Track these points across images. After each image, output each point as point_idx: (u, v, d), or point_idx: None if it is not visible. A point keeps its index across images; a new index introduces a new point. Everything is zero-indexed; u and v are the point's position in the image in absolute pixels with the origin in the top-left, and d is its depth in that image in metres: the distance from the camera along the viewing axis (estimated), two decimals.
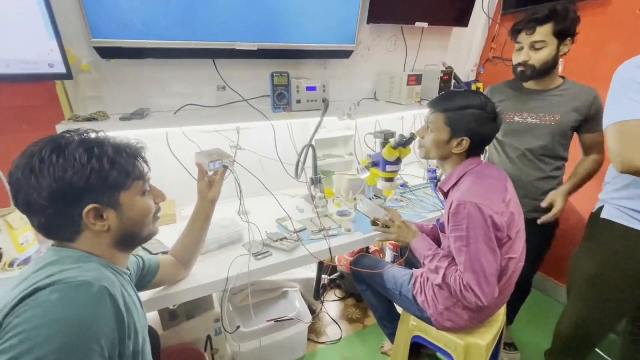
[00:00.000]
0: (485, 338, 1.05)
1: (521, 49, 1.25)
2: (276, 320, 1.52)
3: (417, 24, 1.71)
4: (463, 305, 0.95)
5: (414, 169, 2.10)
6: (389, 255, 2.12)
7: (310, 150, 1.53)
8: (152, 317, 1.44)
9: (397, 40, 1.82)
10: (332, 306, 2.01)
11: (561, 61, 1.70)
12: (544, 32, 1.18)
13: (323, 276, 2.03)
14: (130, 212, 0.67)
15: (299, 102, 1.41)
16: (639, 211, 0.99)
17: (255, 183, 1.54)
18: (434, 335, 1.12)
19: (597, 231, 1.13)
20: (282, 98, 1.38)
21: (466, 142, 0.97)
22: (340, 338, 1.77)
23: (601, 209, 1.10)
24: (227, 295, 1.58)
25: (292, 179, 1.58)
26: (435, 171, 1.68)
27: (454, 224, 0.93)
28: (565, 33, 1.18)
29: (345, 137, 1.92)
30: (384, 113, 1.73)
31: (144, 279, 0.91)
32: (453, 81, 1.79)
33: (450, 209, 0.95)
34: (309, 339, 1.72)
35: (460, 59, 2.12)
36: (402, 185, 1.80)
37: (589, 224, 1.17)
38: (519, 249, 0.97)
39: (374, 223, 1.22)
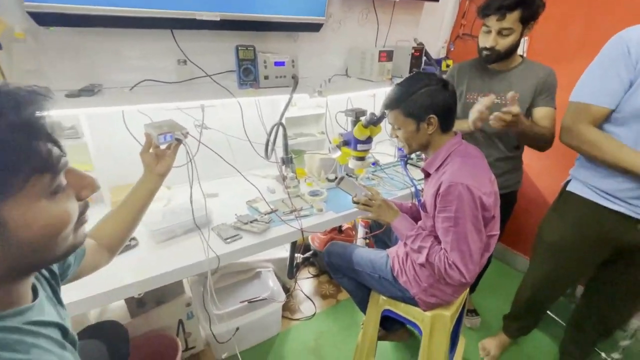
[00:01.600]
0: (450, 309, 1.11)
1: (489, 31, 1.24)
2: (249, 301, 1.52)
3: None
4: (446, 281, 0.99)
5: (385, 147, 2.11)
6: (361, 231, 2.16)
7: (280, 129, 1.48)
8: (119, 304, 1.39)
9: (369, 14, 1.77)
10: (306, 283, 2.04)
11: (526, 39, 1.74)
12: (512, 19, 1.17)
13: (296, 255, 2.04)
14: (25, 232, 0.38)
15: (266, 78, 1.34)
16: (600, 188, 1.08)
17: (223, 163, 1.49)
18: (402, 308, 1.17)
19: (561, 202, 1.25)
20: (248, 73, 1.30)
21: (434, 119, 0.97)
22: (314, 314, 1.81)
23: (569, 182, 1.21)
24: (200, 279, 1.55)
25: (262, 159, 1.53)
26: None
27: (443, 205, 0.94)
28: (530, 19, 1.19)
29: (316, 115, 1.88)
30: (355, 90, 1.70)
31: (61, 276, 0.64)
32: (424, 58, 1.78)
33: (438, 189, 0.95)
34: (283, 317, 1.75)
35: (431, 35, 2.11)
36: (373, 164, 1.81)
37: (559, 195, 1.27)
38: (498, 226, 1.02)
39: (356, 201, 1.22)
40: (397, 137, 1.07)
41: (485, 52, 1.27)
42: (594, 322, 1.33)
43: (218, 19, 1.26)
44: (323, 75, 1.76)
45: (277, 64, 1.34)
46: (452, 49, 2.19)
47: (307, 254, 2.08)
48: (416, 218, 1.28)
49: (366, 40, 1.84)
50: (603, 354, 1.44)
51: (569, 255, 1.21)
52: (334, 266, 1.36)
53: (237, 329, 1.45)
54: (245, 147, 1.56)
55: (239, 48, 1.25)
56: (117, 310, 1.37)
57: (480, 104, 1.14)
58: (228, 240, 1.14)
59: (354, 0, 1.67)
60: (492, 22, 1.21)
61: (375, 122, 1.27)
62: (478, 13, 1.26)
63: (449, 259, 0.93)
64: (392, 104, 1.02)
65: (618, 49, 0.96)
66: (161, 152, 0.88)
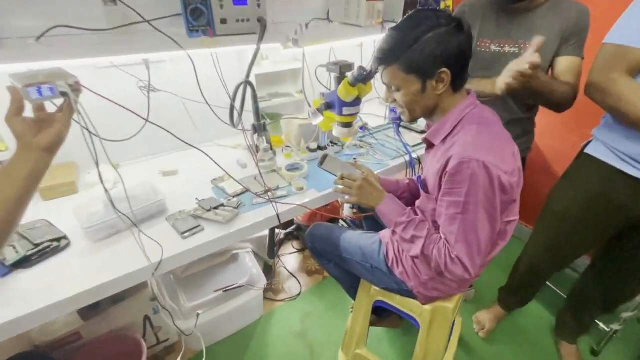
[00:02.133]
0: (452, 300, 0.96)
1: None
2: (225, 290, 1.36)
3: None
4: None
5: (373, 107, 1.85)
6: (347, 209, 1.98)
7: (249, 90, 1.20)
8: None
9: None
10: (290, 259, 1.90)
11: None
12: None
13: (278, 231, 1.86)
14: None
15: (223, 22, 1.02)
16: (623, 151, 0.93)
17: (181, 133, 1.22)
18: (397, 301, 1.02)
19: (575, 166, 1.12)
20: (198, 16, 0.99)
21: (446, 74, 0.73)
22: (300, 293, 1.68)
23: (588, 144, 1.06)
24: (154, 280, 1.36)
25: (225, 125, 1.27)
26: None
27: (450, 186, 0.73)
28: None
29: (293, 71, 1.58)
30: (339, 38, 1.39)
31: None
32: None
33: (445, 166, 0.74)
34: (265, 298, 1.61)
35: None
36: (361, 128, 1.57)
37: (575, 158, 1.13)
38: (517, 209, 0.83)
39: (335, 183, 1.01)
40: (394, 101, 0.83)
41: None
42: (599, 296, 1.24)
43: None
44: (299, 19, 1.43)
45: (236, 2, 1.02)
46: None
47: (290, 229, 1.91)
48: (416, 197, 1.08)
49: None
50: (601, 324, 1.38)
51: (577, 225, 1.10)
52: (318, 251, 1.18)
53: (212, 320, 1.30)
54: (209, 112, 1.28)
55: None
56: (65, 315, 1.17)
57: (522, 61, 0.84)
58: (185, 235, 0.92)
59: None
60: None
61: (364, 79, 1.01)
62: None
63: (451, 252, 0.75)
64: (388, 57, 0.76)
65: None
66: (46, 116, 0.61)
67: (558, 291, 1.59)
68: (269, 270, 1.71)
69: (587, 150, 1.05)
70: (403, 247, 0.89)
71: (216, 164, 1.03)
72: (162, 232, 0.94)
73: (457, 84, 0.76)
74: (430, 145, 0.87)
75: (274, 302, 1.64)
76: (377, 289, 1.05)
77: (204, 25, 1.01)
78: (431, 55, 0.71)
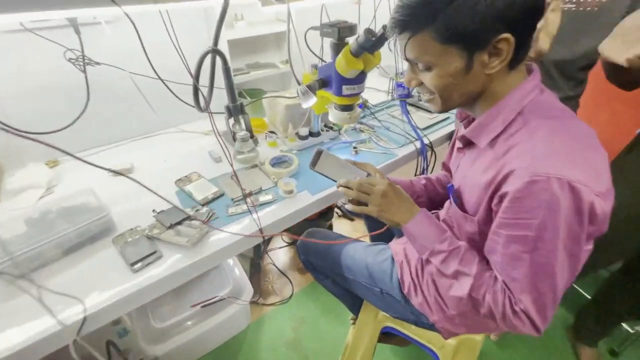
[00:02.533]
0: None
1: None
2: (203, 306, 1.15)
3: None
4: None
5: (374, 79, 1.58)
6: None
7: (218, 61, 0.92)
8: None
9: None
10: (280, 254, 1.70)
11: None
12: None
13: None
14: None
15: None
16: None
17: (138, 116, 0.95)
18: (412, 330, 0.83)
19: (627, 155, 0.92)
20: None
21: (506, 43, 0.48)
22: (291, 295, 1.50)
23: None
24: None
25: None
26: (405, 86, 1.19)
27: (513, 215, 0.50)
28: None
29: (277, 35, 1.28)
30: None
31: None
32: None
33: (499, 183, 0.51)
34: (252, 302, 1.43)
35: None
36: (360, 106, 1.30)
37: (628, 146, 0.93)
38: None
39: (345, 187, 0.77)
40: (420, 84, 0.58)
41: None
42: (632, 300, 1.09)
43: None
44: None
45: None
46: None
47: None
48: (434, 201, 0.86)
49: None
50: (625, 325, 1.25)
51: (622, 228, 0.90)
52: (312, 266, 0.97)
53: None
54: (172, 88, 0.99)
55: None
56: None
57: None
58: (136, 267, 0.68)
59: None
60: None
61: (372, 46, 0.74)
62: None
63: (514, 304, 0.53)
64: (418, 17, 0.50)
65: None
66: None
67: (582, 292, 1.44)
68: (255, 270, 1.51)
69: None
70: (440, 282, 0.68)
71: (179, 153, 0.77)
72: (106, 262, 0.70)
73: (519, 57, 0.51)
74: (466, 143, 0.63)
75: (263, 307, 1.46)
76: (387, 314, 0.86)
77: None
78: (488, 12, 0.45)
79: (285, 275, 1.59)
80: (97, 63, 0.91)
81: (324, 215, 1.62)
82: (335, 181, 0.76)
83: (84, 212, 0.77)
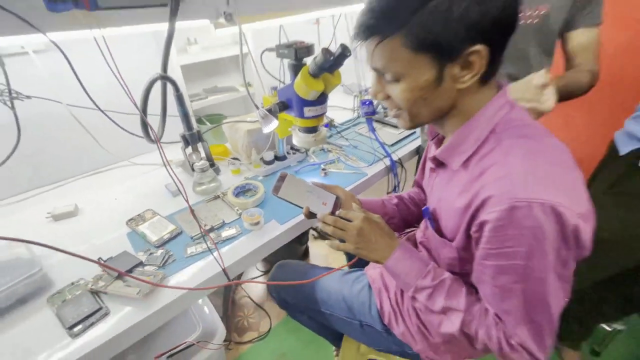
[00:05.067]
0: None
1: None
2: (169, 355, 1.03)
3: None
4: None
5: (338, 97, 1.56)
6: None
7: (169, 87, 0.85)
8: None
9: None
10: (255, 286, 1.60)
11: None
12: None
13: None
14: None
15: None
16: None
17: (79, 153, 0.85)
18: None
19: (623, 175, 0.90)
20: None
21: (479, 55, 0.45)
22: (269, 329, 1.40)
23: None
24: None
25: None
26: (371, 102, 1.18)
27: (496, 245, 0.46)
28: None
29: (234, 58, 1.23)
30: (290, 10, 1.06)
31: None
32: None
33: (477, 208, 0.47)
34: (227, 340, 1.31)
35: None
36: (326, 125, 1.27)
37: (605, 163, 0.94)
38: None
39: (310, 216, 0.71)
40: (386, 98, 0.54)
41: None
42: (618, 300, 1.11)
43: None
44: None
45: None
46: None
47: None
48: (407, 221, 0.83)
49: None
50: (603, 325, 1.27)
51: (620, 252, 0.90)
52: (286, 303, 0.90)
53: None
54: (121, 120, 0.90)
55: None
56: None
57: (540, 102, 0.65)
58: (75, 330, 0.58)
59: None
60: None
61: (331, 65, 0.71)
62: None
63: (510, 338, 0.49)
64: (386, 22, 0.46)
65: None
66: None
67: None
68: (228, 307, 1.40)
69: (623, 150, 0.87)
70: (429, 319, 0.63)
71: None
72: (40, 327, 0.60)
73: (492, 70, 0.49)
74: (439, 164, 0.60)
75: (239, 345, 1.34)
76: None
77: None
78: (461, 19, 0.42)
79: (262, 308, 1.48)
80: (28, 97, 0.81)
81: (299, 239, 1.56)
82: (302, 208, 0.71)
83: (13, 268, 0.66)
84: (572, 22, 0.83)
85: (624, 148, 0.89)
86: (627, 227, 0.87)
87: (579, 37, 0.83)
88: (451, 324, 0.55)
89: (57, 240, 0.77)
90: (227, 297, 1.35)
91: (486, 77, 0.49)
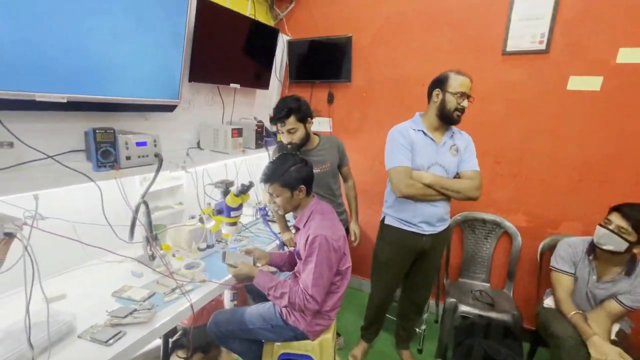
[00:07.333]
0: (330, 331, 1.39)
1: (282, 132, 1.69)
2: None
3: (231, 85, 1.98)
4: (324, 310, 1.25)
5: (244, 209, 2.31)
6: (227, 295, 2.18)
7: (143, 207, 1.44)
8: None
9: (214, 96, 2.02)
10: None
11: (329, 120, 2.43)
12: (291, 122, 1.63)
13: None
14: None
15: (128, 158, 1.31)
16: (402, 218, 1.65)
17: (63, 255, 1.29)
18: (295, 346, 1.36)
19: (383, 232, 1.78)
20: (107, 155, 1.25)
21: (303, 188, 1.31)
22: None
23: (385, 217, 1.75)
24: None
25: (113, 243, 1.38)
26: (264, 209, 1.97)
27: (309, 252, 1.22)
28: (304, 118, 1.67)
29: (171, 188, 1.88)
30: (214, 161, 1.86)
31: None
32: (264, 132, 2.17)
33: (307, 240, 1.24)
34: None
35: (265, 114, 2.56)
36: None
37: (380, 226, 1.80)
38: (349, 259, 1.37)
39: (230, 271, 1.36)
40: (274, 203, 1.33)
41: (289, 145, 1.70)
42: (411, 307, 1.94)
43: (65, 100, 1.18)
44: (176, 149, 1.82)
45: (139, 144, 1.35)
46: None
47: (176, 336, 1.90)
48: (292, 263, 1.54)
49: (214, 117, 2.06)
50: (417, 329, 2.08)
51: (395, 266, 1.77)
52: (224, 334, 1.40)
53: None
54: (94, 231, 1.37)
55: (97, 132, 1.20)
56: None
57: None
58: (110, 342, 1.00)
59: (200, 85, 1.88)
60: (280, 126, 1.66)
61: (245, 191, 1.49)
62: (271, 123, 1.72)
63: (306, 295, 1.21)
64: (271, 178, 1.30)
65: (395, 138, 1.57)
66: None
67: (392, 317, 2.26)
68: None
69: (386, 222, 1.75)
70: (277, 302, 1.31)
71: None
72: (77, 350, 0.98)
73: (309, 192, 1.35)
74: (297, 229, 1.39)
75: None
76: (279, 343, 1.36)
77: (112, 161, 1.27)
78: (295, 178, 1.28)
79: None
80: (45, 217, 1.26)
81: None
82: (237, 267, 1.35)
83: (49, 320, 1.03)
84: (341, 162, 1.88)
85: None
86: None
87: (342, 172, 1.91)
88: (283, 300, 1.25)
89: (65, 309, 1.14)
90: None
91: (307, 194, 1.35)
